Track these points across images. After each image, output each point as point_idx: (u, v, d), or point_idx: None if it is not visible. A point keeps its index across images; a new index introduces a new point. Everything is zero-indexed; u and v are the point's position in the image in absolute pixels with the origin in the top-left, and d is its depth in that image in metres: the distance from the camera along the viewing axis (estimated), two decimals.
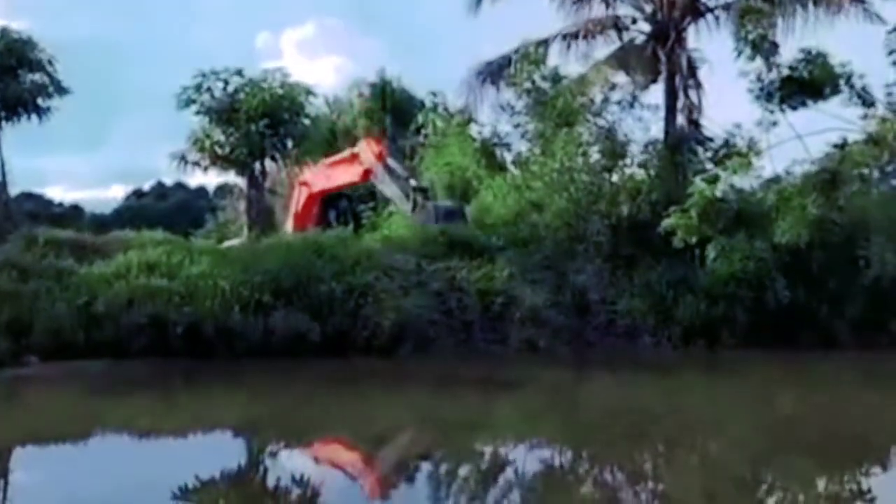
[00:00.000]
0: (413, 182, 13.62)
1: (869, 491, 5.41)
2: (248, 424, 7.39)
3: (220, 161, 14.85)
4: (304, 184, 15.41)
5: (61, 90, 13.82)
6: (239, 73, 14.90)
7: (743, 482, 5.56)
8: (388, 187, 13.81)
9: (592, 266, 11.52)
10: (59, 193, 57.76)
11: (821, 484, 5.57)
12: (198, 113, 14.69)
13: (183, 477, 5.32)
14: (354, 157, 14.38)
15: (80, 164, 55.49)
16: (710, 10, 14.15)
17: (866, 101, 11.86)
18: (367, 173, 13.97)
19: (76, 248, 11.71)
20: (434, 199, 13.56)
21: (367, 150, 14.22)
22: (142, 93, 46.13)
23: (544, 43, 14.48)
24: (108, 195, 56.22)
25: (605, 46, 14.74)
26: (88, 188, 60.59)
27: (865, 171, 11.31)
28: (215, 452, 6.43)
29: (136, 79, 53.04)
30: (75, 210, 33.41)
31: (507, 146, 14.71)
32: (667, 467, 6.09)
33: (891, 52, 11.95)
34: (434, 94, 18.37)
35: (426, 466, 6.11)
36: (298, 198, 15.45)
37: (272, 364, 9.63)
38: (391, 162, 14.03)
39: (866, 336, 10.64)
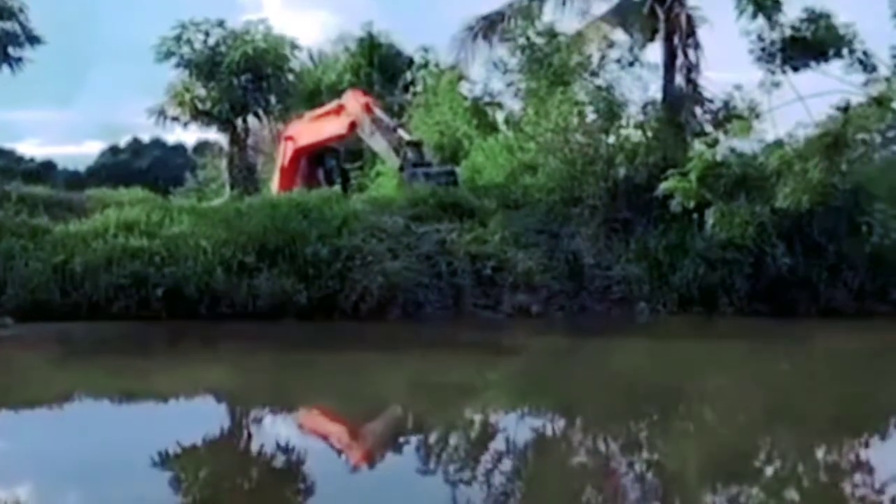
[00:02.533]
0: (405, 135, 13.12)
1: (866, 460, 5.33)
2: (230, 389, 7.17)
3: (201, 116, 14.33)
4: (290, 138, 14.77)
5: (33, 39, 13.09)
6: (220, 24, 14.30)
7: (736, 449, 5.48)
8: (375, 141, 13.24)
9: (587, 230, 11.22)
10: (30, 149, 55.94)
11: (815, 451, 5.50)
12: (177, 66, 14.12)
13: (163, 443, 5.11)
14: (340, 108, 13.79)
15: (52, 119, 53.76)
16: None
17: (867, 66, 11.53)
18: (353, 125, 13.37)
19: (51, 206, 11.38)
20: (425, 157, 13.07)
21: (353, 100, 13.64)
22: (117, 44, 44.51)
23: None
24: (81, 151, 54.68)
25: (602, 2, 14.22)
26: (61, 144, 58.87)
27: (868, 135, 11.01)
28: (196, 418, 6.23)
29: (112, 29, 51.15)
30: (47, 166, 32.47)
31: (500, 105, 14.26)
32: (662, 435, 5.98)
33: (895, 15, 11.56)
34: (425, 50, 17.82)
35: (416, 434, 5.93)
36: (284, 153, 14.83)
37: (256, 327, 9.40)
38: (379, 113, 13.45)
39: (866, 304, 10.50)
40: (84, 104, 52.54)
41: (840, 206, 10.86)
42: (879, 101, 10.75)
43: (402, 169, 12.71)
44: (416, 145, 12.95)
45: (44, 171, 29.87)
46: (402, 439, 5.82)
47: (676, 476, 5.03)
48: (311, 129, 14.42)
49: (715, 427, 6.25)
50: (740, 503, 4.63)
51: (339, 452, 5.57)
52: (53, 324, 9.04)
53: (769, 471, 5.18)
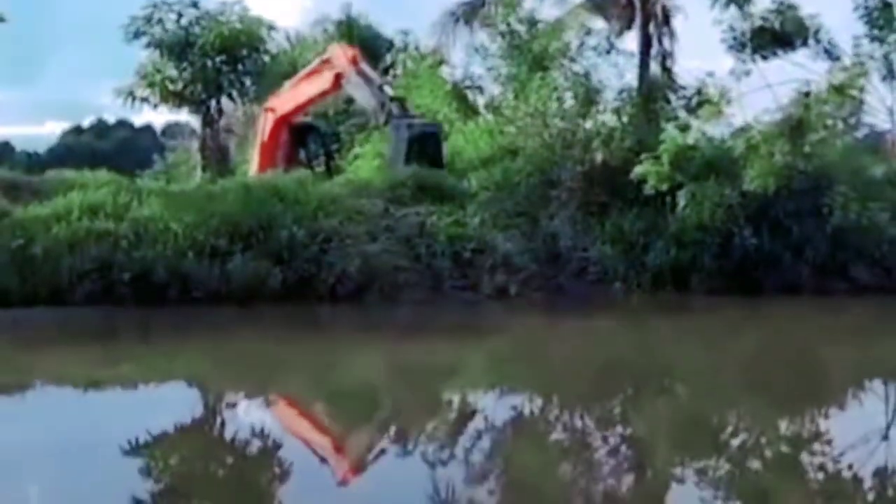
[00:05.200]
0: (389, 91, 12.88)
1: (826, 430, 5.59)
2: (201, 377, 6.99)
3: (172, 98, 14.01)
4: (270, 109, 14.11)
5: None
6: (194, 4, 14.03)
7: (708, 421, 5.66)
8: (360, 94, 12.86)
9: (565, 212, 11.34)
10: None
11: (780, 423, 5.71)
12: (148, 46, 13.77)
13: (131, 433, 4.91)
14: (325, 63, 13.32)
15: (11, 98, 51.53)
16: None
17: (832, 54, 12.04)
18: (338, 78, 12.94)
19: (9, 189, 10.92)
20: (409, 112, 12.73)
21: (339, 54, 13.25)
22: (81, 22, 42.66)
23: None
24: (42, 132, 52.24)
25: None
26: (20, 124, 56.48)
27: (830, 121, 11.38)
28: (166, 408, 6.00)
29: (77, 7, 49.30)
30: (5, 147, 31.19)
31: (480, 89, 14.32)
32: (638, 411, 6.10)
33: (856, 7, 12.15)
34: (405, 34, 17.72)
35: (397, 420, 5.86)
36: (264, 127, 14.17)
37: (229, 312, 9.19)
38: (365, 67, 13.10)
39: (828, 282, 10.84)
40: (45, 83, 50.55)
41: (804, 190, 11.19)
42: (839, 89, 11.15)
43: (386, 123, 12.40)
44: (401, 101, 12.68)
45: (1, 152, 28.70)
46: (384, 426, 5.70)
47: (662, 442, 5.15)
48: (293, 93, 13.82)
49: (687, 400, 6.43)
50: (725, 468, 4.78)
51: (319, 452, 5.26)
52: (12, 310, 8.69)
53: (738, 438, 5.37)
